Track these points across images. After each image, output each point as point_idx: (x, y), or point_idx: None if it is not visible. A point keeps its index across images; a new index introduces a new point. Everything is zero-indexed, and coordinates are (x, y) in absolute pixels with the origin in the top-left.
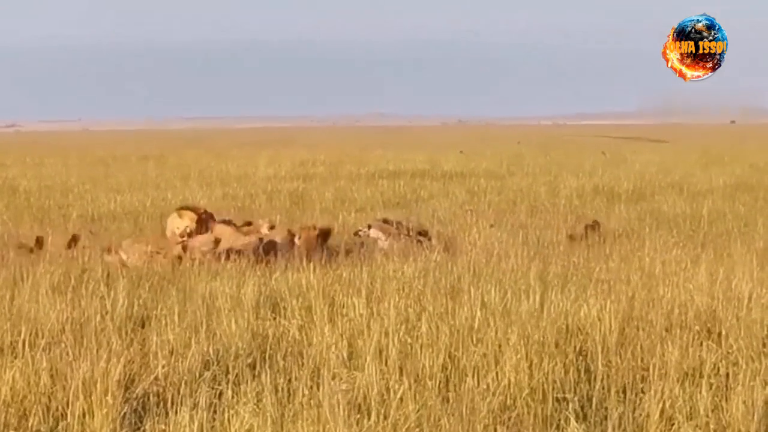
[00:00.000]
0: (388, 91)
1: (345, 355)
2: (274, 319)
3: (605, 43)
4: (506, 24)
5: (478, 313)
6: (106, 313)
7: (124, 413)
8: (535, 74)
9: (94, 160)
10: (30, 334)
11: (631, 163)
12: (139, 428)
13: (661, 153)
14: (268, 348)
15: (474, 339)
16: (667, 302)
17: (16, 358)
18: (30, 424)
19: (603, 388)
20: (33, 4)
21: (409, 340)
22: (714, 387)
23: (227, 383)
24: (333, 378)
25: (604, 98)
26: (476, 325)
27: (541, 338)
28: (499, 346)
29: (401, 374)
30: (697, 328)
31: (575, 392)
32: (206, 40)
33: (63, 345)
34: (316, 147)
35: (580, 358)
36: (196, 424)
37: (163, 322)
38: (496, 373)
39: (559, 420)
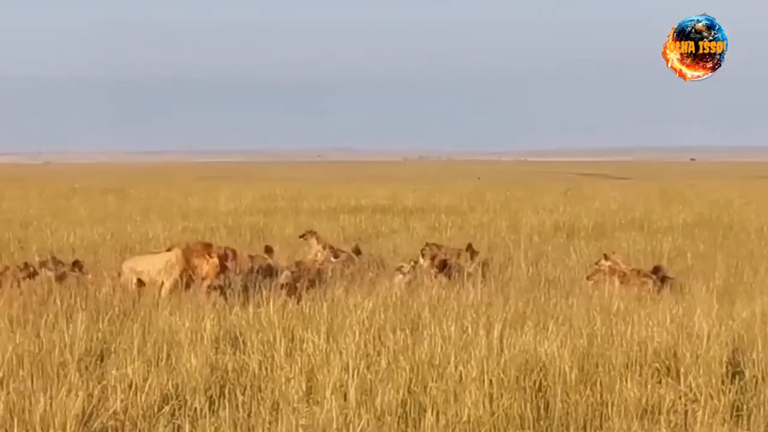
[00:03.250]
0: (350, 126)
1: (304, 389)
2: (234, 353)
3: (570, 78)
4: (467, 58)
5: (438, 348)
6: (65, 346)
7: None
8: (497, 109)
9: (54, 193)
10: None
11: (592, 200)
12: None
13: (622, 190)
14: (228, 382)
15: (434, 374)
16: (626, 339)
17: None
18: None
19: (562, 425)
20: None
21: (368, 376)
22: (673, 424)
23: (186, 418)
24: (293, 413)
25: (567, 134)
26: (436, 361)
27: (501, 374)
28: (459, 380)
29: (361, 409)
30: (656, 365)
31: (534, 428)
32: (165, 74)
33: (21, 378)
34: (278, 181)
35: (540, 393)
36: None
37: (122, 355)
38: (456, 409)
39: None
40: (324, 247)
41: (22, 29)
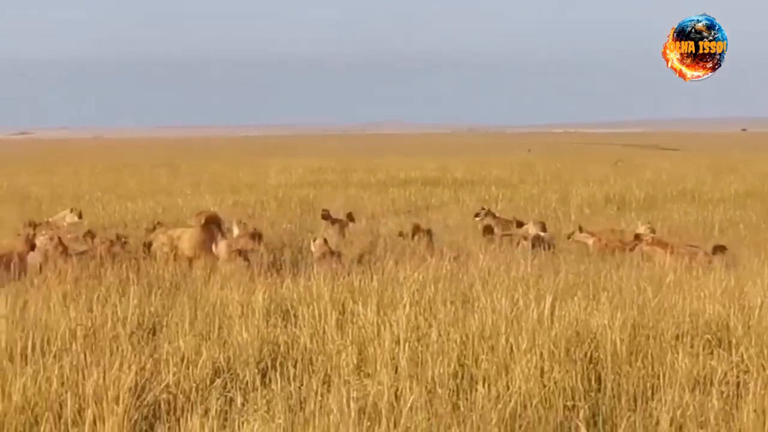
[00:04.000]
0: (399, 99)
1: (355, 362)
2: (285, 326)
3: (616, 52)
4: (516, 32)
5: (489, 321)
6: (118, 320)
7: (135, 420)
8: (545, 82)
9: (105, 167)
10: (41, 342)
11: (643, 171)
12: None
13: (672, 161)
14: (279, 355)
15: (484, 347)
16: (677, 311)
17: (27, 365)
18: (41, 431)
19: (613, 396)
20: (49, 19)
21: (419, 348)
22: (725, 395)
23: (238, 391)
24: (344, 385)
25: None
26: (487, 333)
27: (552, 346)
28: (510, 353)
29: (412, 382)
30: (707, 336)
31: (585, 400)
32: (219, 52)
33: (74, 352)
34: (327, 155)
35: (591, 366)
36: (206, 431)
37: (174, 329)
38: (507, 381)
39: (569, 428)
40: None
41: (72, 14)
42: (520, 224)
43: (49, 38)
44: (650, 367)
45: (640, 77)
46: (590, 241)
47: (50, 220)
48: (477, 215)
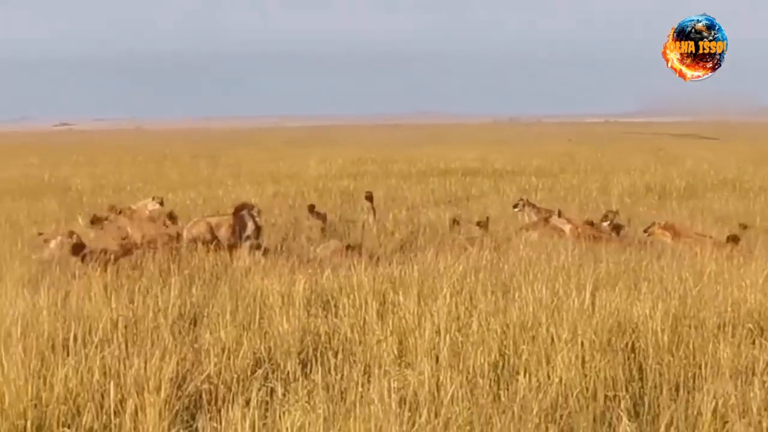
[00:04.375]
0: (439, 89)
1: (396, 352)
2: (326, 317)
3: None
4: (554, 22)
5: (530, 311)
6: (159, 310)
7: (177, 411)
8: (584, 73)
9: (146, 158)
10: (83, 332)
11: (683, 161)
12: (191, 426)
13: (712, 150)
14: (320, 345)
15: (525, 337)
16: (719, 300)
17: (69, 355)
18: (83, 422)
19: (655, 387)
20: (88, 14)
21: (460, 338)
22: (767, 385)
23: (279, 381)
24: (384, 375)
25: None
26: (528, 323)
27: (593, 336)
28: (551, 343)
29: (453, 372)
30: (749, 326)
31: (627, 390)
32: (258, 43)
33: (116, 343)
34: (367, 145)
35: (632, 355)
36: (248, 421)
37: (215, 319)
38: (548, 371)
39: (611, 418)
40: None
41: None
42: (561, 215)
43: (88, 32)
44: (692, 357)
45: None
46: (567, 228)
47: (133, 206)
48: (515, 206)
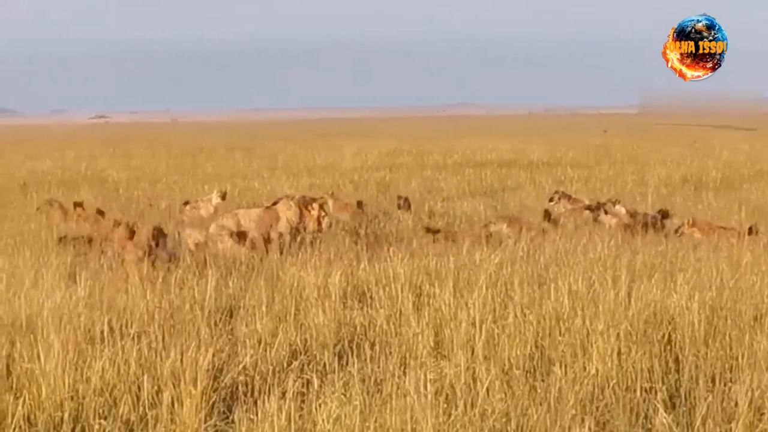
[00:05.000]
0: (474, 81)
1: (432, 344)
2: (362, 308)
3: None
4: (590, 12)
5: (566, 303)
6: (195, 302)
7: (213, 402)
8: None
9: (182, 151)
10: (119, 324)
11: (720, 152)
12: (227, 417)
13: (749, 141)
14: (356, 337)
15: (561, 328)
16: (755, 291)
17: (105, 347)
18: (120, 413)
19: (691, 378)
20: (125, 7)
21: (496, 330)
22: None
23: (315, 373)
24: (420, 367)
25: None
26: (563, 315)
27: (629, 327)
28: (587, 335)
29: (488, 364)
30: None
31: (663, 382)
32: (292, 34)
33: (152, 334)
34: (402, 137)
35: (668, 347)
36: (284, 413)
37: (251, 311)
38: (584, 363)
39: (648, 410)
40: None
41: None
42: (597, 207)
43: (124, 25)
44: (728, 349)
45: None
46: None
47: (199, 200)
48: (551, 200)
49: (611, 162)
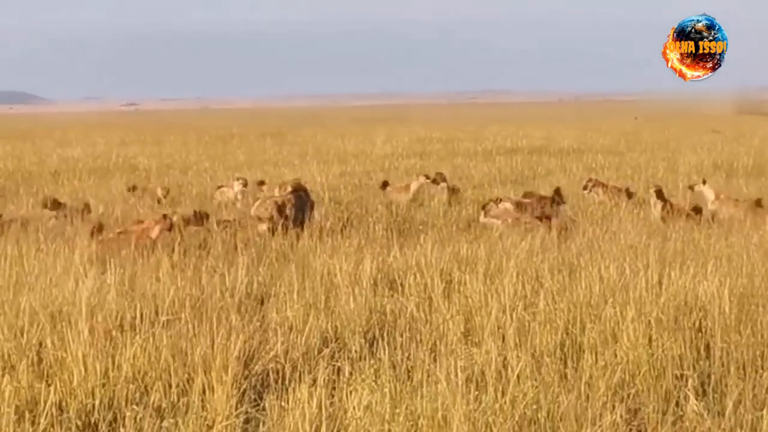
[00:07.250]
0: (503, 67)
1: (462, 331)
2: (392, 296)
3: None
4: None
5: (596, 290)
6: (226, 290)
7: (244, 389)
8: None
9: (212, 138)
10: (150, 311)
11: (751, 138)
12: (258, 404)
13: None
14: (386, 324)
15: (592, 315)
16: None
17: (137, 335)
18: (151, 400)
19: (722, 365)
20: None
21: (526, 317)
22: None
23: (345, 360)
24: (451, 354)
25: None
26: (594, 302)
27: (660, 315)
28: (617, 322)
29: (519, 350)
30: None
31: (694, 369)
32: (323, 21)
33: (183, 322)
34: (432, 124)
35: (699, 334)
36: (315, 400)
37: (282, 299)
38: (615, 350)
39: (679, 397)
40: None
41: None
42: (630, 194)
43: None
44: (759, 336)
45: (737, 44)
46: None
47: (222, 187)
48: (585, 188)
49: (642, 149)
